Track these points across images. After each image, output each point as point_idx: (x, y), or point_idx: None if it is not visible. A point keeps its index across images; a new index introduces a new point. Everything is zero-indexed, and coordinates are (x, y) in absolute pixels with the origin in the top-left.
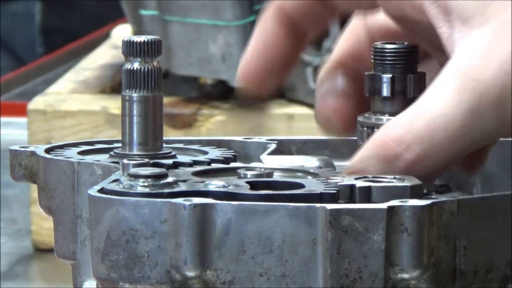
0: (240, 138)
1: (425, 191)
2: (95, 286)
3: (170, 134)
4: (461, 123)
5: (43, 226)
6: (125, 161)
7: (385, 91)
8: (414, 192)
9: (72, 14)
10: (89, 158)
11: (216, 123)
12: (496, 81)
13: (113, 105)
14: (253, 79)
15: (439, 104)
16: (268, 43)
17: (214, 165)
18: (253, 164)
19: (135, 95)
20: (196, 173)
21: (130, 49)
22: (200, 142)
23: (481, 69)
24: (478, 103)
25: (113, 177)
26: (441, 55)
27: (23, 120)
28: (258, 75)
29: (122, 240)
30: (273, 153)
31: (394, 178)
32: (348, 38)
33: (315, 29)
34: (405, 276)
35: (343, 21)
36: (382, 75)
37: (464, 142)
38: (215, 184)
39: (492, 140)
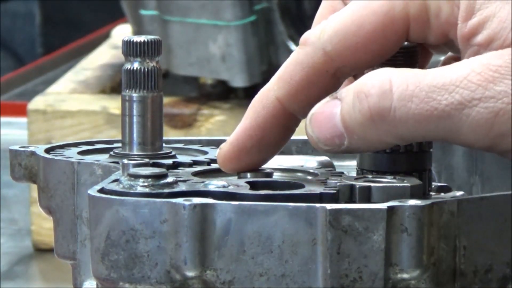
0: None
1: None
2: (95, 286)
3: (170, 134)
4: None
5: (43, 226)
6: (125, 161)
7: None
8: (414, 192)
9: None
10: (89, 158)
11: (216, 123)
12: None
13: (113, 105)
14: (236, 158)
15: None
16: (260, 128)
17: (214, 165)
18: None
19: (135, 95)
20: (196, 173)
21: (130, 49)
22: (200, 142)
23: None
24: None
25: (113, 177)
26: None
27: (23, 120)
28: (242, 156)
29: (122, 240)
30: None
31: (394, 178)
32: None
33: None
34: (405, 276)
35: None
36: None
37: None
38: (215, 184)
39: None
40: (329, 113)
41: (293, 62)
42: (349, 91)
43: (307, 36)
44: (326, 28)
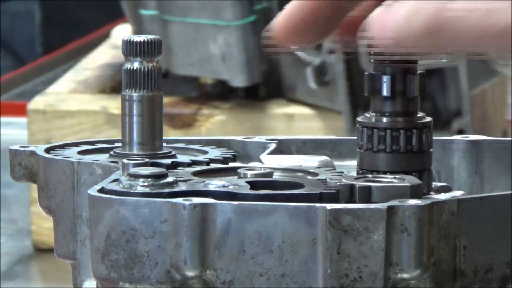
0: (240, 138)
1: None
2: (95, 286)
3: (170, 134)
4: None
5: (43, 226)
6: (125, 161)
7: (385, 91)
8: (414, 192)
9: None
10: (89, 158)
11: (216, 123)
12: None
13: (113, 105)
14: (289, 32)
15: None
16: (311, 5)
17: (214, 165)
18: (253, 164)
19: (135, 94)
20: (196, 173)
21: (130, 48)
22: (200, 142)
23: None
24: None
25: (113, 177)
26: None
27: (23, 120)
28: (295, 30)
29: (122, 240)
30: (273, 153)
31: (394, 178)
32: None
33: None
34: (405, 276)
35: None
36: (382, 75)
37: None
38: (215, 184)
39: None
40: (385, 19)
41: None
42: (404, 2)
43: None
44: None
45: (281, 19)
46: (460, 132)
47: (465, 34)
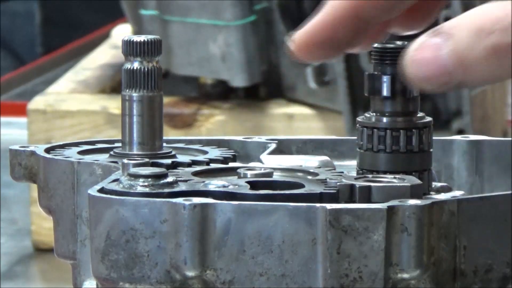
0: (240, 138)
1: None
2: (95, 286)
3: (170, 134)
4: None
5: (43, 226)
6: (125, 160)
7: (385, 91)
8: (414, 192)
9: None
10: (89, 158)
11: (216, 123)
12: None
13: (113, 105)
14: (308, 47)
15: None
16: (333, 23)
17: (214, 165)
18: (253, 164)
19: (135, 94)
20: (196, 173)
21: (130, 48)
22: (200, 142)
23: None
24: None
25: (113, 176)
26: None
27: (23, 120)
28: (313, 46)
29: (122, 240)
30: (273, 153)
31: (394, 178)
32: None
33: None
34: (405, 276)
35: None
36: (382, 75)
37: None
38: (215, 184)
39: None
40: (433, 51)
41: None
42: (461, 27)
43: None
44: None
45: (301, 35)
46: (460, 132)
47: None
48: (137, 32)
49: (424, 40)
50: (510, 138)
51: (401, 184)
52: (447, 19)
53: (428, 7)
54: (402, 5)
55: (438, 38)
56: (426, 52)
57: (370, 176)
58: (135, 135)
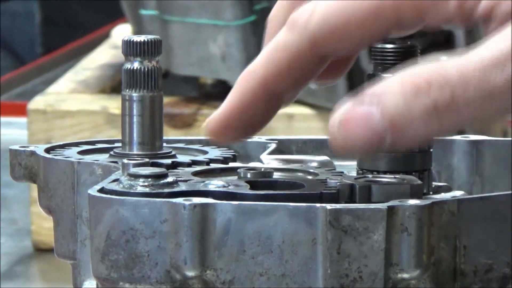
0: None
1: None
2: (95, 286)
3: (170, 134)
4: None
5: (43, 226)
6: (125, 160)
7: None
8: (414, 192)
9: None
10: (89, 158)
11: None
12: None
13: (113, 105)
14: (222, 133)
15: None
16: (246, 107)
17: (214, 165)
18: (253, 164)
19: (135, 94)
20: (196, 173)
21: (130, 48)
22: (200, 142)
23: None
24: None
25: (113, 176)
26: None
27: (23, 120)
28: (228, 130)
29: (122, 240)
30: (273, 152)
31: (394, 178)
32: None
33: (298, 88)
34: (405, 276)
35: None
36: (382, 75)
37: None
38: (215, 184)
39: None
40: (363, 115)
41: (280, 44)
42: (390, 88)
43: (295, 18)
44: (315, 13)
45: (215, 121)
46: (460, 132)
47: (469, 104)
48: (137, 32)
49: (349, 108)
50: (510, 138)
51: (401, 184)
52: None
53: (341, 64)
54: (310, 76)
55: (365, 106)
56: (355, 117)
57: (370, 176)
58: (135, 135)
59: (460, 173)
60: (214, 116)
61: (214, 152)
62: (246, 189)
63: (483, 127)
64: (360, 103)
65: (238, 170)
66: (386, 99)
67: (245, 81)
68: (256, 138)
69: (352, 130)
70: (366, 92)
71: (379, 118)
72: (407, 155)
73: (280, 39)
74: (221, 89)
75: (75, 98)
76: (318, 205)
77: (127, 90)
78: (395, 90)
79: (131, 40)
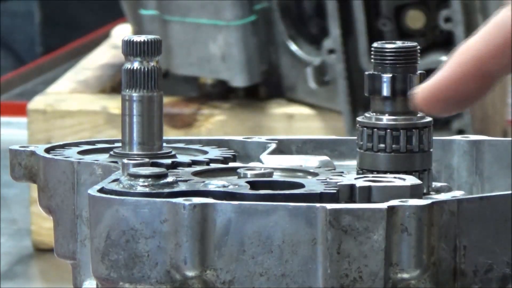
0: (240, 138)
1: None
2: (95, 286)
3: (170, 134)
4: None
5: (43, 226)
6: (125, 160)
7: (385, 91)
8: (414, 192)
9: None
10: (89, 158)
11: (216, 123)
12: None
13: (113, 105)
14: (432, 102)
15: None
16: (457, 82)
17: (214, 165)
18: (253, 164)
19: (135, 94)
20: (196, 173)
21: (130, 48)
22: (200, 142)
23: None
24: None
25: (113, 176)
26: None
27: (23, 120)
28: (437, 102)
29: (122, 240)
30: (273, 153)
31: (394, 178)
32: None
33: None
34: (405, 275)
35: (343, 20)
36: (382, 74)
37: None
38: (215, 184)
39: None
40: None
41: (496, 21)
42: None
43: None
44: None
45: (424, 91)
46: (460, 132)
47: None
48: (137, 32)
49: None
50: (510, 138)
51: (401, 184)
52: (447, 19)
53: None
54: None
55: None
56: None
57: (370, 176)
58: (135, 135)
59: (460, 173)
60: (424, 86)
61: (214, 152)
62: (246, 189)
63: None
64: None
65: (238, 170)
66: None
67: (459, 57)
68: (256, 138)
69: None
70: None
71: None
72: (407, 155)
73: (497, 17)
74: (221, 89)
75: (75, 98)
76: (318, 205)
77: (127, 90)
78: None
79: (131, 40)
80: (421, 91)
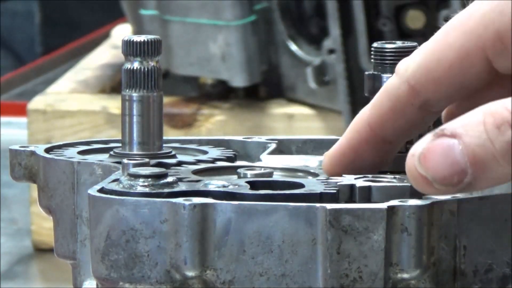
0: (240, 138)
1: None
2: (95, 286)
3: (170, 134)
4: None
5: (43, 226)
6: (125, 160)
7: None
8: (414, 192)
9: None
10: (89, 158)
11: (216, 123)
12: None
13: (113, 105)
14: (332, 170)
15: None
16: (353, 148)
17: (214, 165)
18: (253, 164)
19: (135, 94)
20: (196, 173)
21: (130, 48)
22: (200, 142)
23: None
24: None
25: (113, 176)
26: None
27: (23, 120)
28: (337, 168)
29: (122, 240)
30: (273, 152)
31: (394, 178)
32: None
33: (407, 137)
34: (405, 276)
35: (343, 20)
36: (382, 75)
37: None
38: (215, 184)
39: None
40: (444, 149)
41: (384, 90)
42: (470, 124)
43: (399, 65)
44: (411, 62)
45: (326, 156)
46: None
47: None
48: (137, 32)
49: (428, 140)
50: None
51: (401, 184)
52: (446, 19)
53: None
54: (415, 126)
55: (443, 138)
56: (436, 151)
57: (370, 176)
58: (135, 135)
59: None
60: (328, 152)
61: (214, 152)
62: (246, 189)
63: None
64: (440, 136)
65: (238, 170)
66: (467, 132)
67: (354, 125)
68: (256, 138)
69: (433, 161)
70: (446, 125)
71: (460, 150)
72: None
73: (385, 85)
74: (221, 89)
75: (75, 98)
76: (318, 205)
77: (127, 90)
78: (476, 123)
79: (131, 40)
80: (327, 157)
